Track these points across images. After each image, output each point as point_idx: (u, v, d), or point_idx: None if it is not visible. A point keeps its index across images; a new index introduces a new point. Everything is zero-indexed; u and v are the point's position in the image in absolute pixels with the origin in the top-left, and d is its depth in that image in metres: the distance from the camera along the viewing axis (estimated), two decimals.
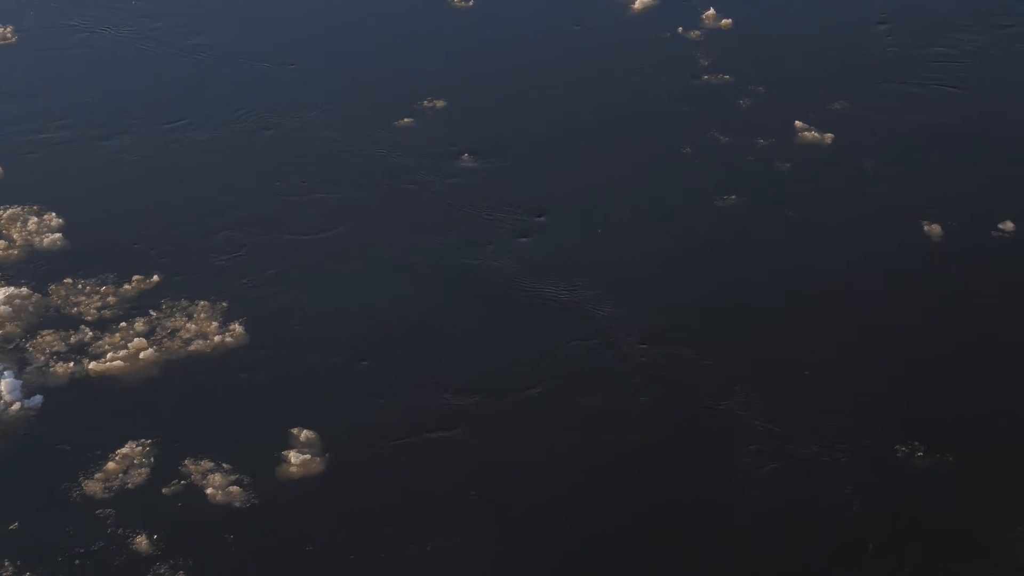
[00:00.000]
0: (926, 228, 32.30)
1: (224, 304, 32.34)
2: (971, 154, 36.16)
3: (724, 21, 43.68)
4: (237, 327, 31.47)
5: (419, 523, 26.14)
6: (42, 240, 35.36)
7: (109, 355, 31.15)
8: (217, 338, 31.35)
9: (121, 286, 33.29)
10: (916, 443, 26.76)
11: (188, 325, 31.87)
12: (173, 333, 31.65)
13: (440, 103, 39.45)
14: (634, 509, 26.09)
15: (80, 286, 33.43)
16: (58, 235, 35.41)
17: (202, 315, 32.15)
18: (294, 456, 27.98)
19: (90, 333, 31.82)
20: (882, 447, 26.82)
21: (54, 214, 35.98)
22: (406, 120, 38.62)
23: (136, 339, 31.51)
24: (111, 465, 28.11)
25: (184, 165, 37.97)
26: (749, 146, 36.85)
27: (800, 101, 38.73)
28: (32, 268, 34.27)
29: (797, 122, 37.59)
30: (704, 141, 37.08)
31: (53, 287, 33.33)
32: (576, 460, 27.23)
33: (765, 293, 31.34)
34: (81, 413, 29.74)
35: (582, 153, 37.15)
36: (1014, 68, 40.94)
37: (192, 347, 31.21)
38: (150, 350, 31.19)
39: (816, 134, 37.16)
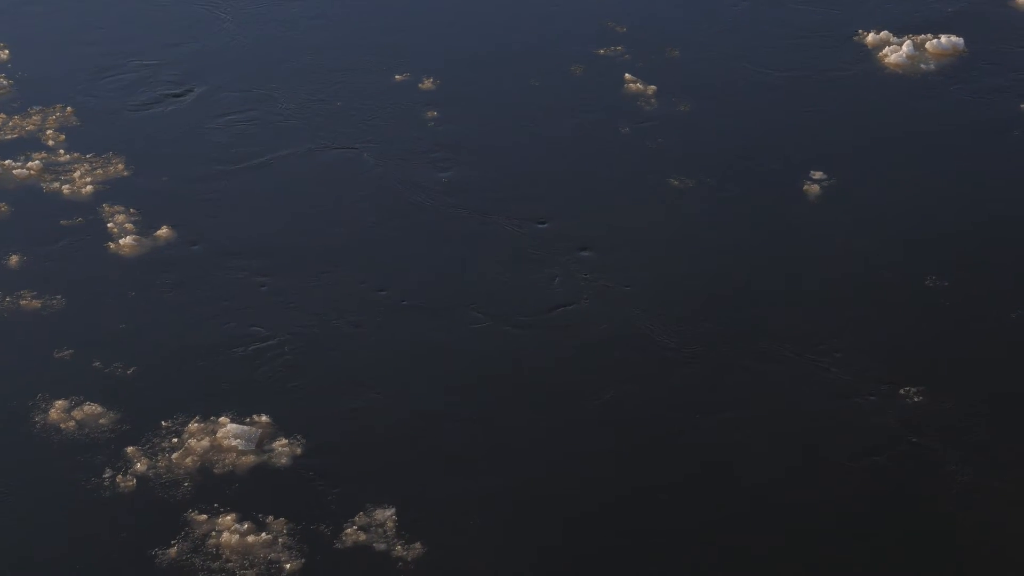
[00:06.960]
0: (805, 188, 33.19)
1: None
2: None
3: None
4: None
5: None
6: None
7: None
8: (84, 189, 32.96)
9: (48, 124, 35.42)
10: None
11: (77, 174, 33.36)
12: (58, 174, 33.35)
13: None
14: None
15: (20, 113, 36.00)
16: None
17: (97, 171, 33.56)
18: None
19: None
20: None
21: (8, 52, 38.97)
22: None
23: (33, 162, 33.43)
24: None
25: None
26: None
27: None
28: None
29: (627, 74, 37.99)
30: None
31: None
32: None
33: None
34: None
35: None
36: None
37: (59, 187, 32.97)
38: (23, 171, 33.14)
39: (641, 86, 37.22)
